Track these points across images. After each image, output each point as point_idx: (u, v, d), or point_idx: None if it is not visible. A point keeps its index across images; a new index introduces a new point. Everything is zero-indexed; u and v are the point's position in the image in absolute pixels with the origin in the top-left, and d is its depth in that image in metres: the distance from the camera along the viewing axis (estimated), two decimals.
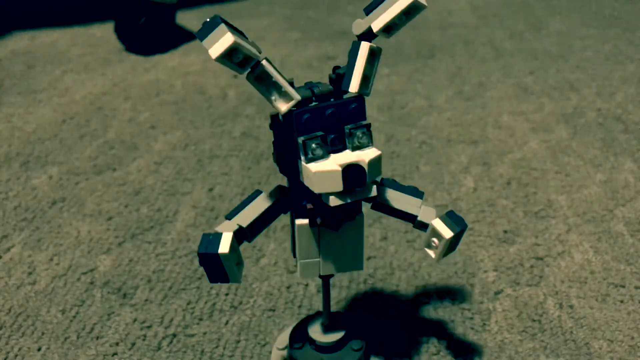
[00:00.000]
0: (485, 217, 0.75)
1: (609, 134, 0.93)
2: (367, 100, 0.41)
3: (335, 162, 0.39)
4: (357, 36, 0.41)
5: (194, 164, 0.88)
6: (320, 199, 0.41)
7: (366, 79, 0.41)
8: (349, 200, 0.39)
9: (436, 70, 1.19)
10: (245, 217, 0.44)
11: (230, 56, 0.37)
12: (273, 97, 0.39)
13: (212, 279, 0.42)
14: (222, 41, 0.36)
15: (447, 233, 0.44)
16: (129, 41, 1.31)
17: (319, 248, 0.45)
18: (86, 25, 1.47)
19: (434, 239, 0.45)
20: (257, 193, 0.45)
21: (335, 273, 0.47)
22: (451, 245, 0.45)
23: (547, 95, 1.07)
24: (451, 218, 0.45)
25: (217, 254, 0.40)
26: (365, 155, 0.39)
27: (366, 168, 0.39)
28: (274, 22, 1.48)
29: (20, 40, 1.37)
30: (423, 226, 0.46)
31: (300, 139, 0.39)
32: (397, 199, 0.46)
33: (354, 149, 0.40)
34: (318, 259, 0.45)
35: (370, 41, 0.41)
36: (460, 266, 0.67)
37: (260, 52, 0.38)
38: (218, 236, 0.41)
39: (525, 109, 1.03)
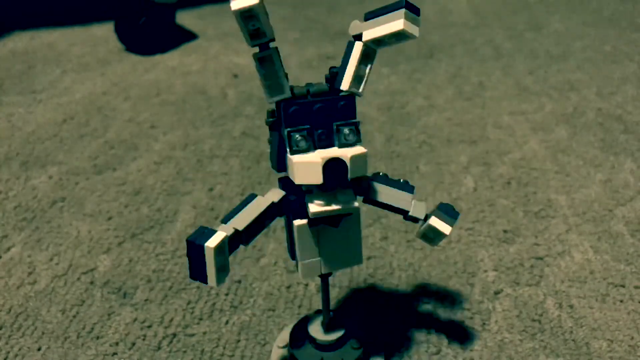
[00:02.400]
0: (485, 217, 0.75)
1: (609, 134, 0.93)
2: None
3: (319, 155, 0.39)
4: (353, 36, 0.42)
5: (194, 164, 0.88)
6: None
7: (359, 79, 0.41)
8: (328, 214, 0.40)
9: (436, 70, 1.19)
10: (241, 221, 0.43)
11: (248, 20, 0.37)
12: (268, 83, 0.40)
13: (193, 274, 0.41)
14: None
15: (446, 229, 0.46)
16: (129, 41, 1.31)
17: (319, 247, 0.45)
18: (86, 25, 1.47)
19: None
20: (252, 197, 0.45)
21: (337, 270, 0.47)
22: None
23: (547, 95, 1.07)
24: (444, 212, 0.46)
25: (203, 246, 0.40)
26: (349, 152, 0.40)
27: (348, 163, 0.39)
28: (273, 22, 1.47)
29: (20, 40, 1.37)
30: (414, 220, 0.47)
31: (286, 130, 0.39)
32: (388, 194, 0.46)
33: (341, 146, 0.41)
34: (319, 258, 0.45)
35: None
36: (460, 266, 0.67)
37: (274, 38, 0.39)
38: (212, 232, 0.41)
39: (525, 109, 1.03)
